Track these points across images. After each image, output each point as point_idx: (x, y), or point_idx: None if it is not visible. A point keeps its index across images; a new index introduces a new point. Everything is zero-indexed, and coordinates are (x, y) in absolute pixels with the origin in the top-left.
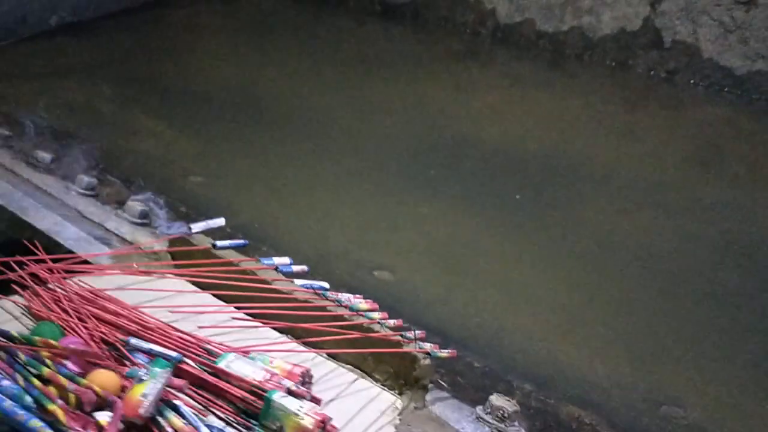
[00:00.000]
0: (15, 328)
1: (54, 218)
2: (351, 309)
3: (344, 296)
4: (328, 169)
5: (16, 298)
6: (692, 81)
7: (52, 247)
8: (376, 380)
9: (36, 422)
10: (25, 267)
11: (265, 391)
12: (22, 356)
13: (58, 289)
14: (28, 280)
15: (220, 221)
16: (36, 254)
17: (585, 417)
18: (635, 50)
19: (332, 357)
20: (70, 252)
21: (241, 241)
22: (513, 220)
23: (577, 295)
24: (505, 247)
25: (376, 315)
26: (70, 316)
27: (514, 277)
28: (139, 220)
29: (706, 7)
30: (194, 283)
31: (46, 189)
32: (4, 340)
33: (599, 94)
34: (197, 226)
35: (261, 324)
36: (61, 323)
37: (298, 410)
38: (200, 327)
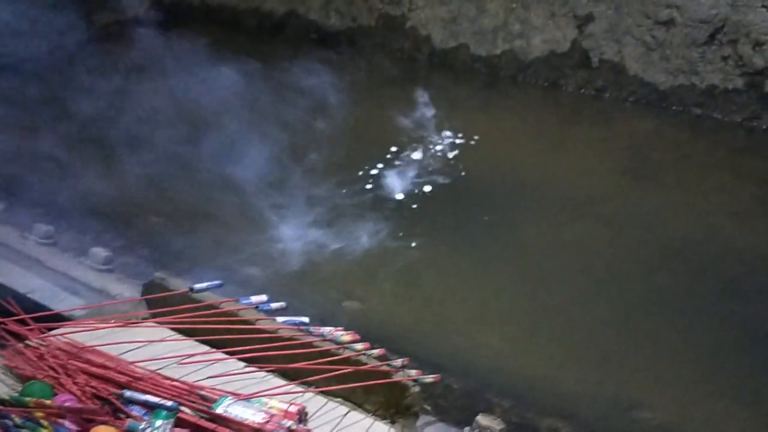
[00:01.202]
0: None
1: (17, 270)
2: (335, 342)
3: (326, 329)
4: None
5: None
6: (620, 97)
7: (21, 301)
8: (368, 411)
9: None
10: (4, 326)
11: None
12: (17, 419)
13: (41, 346)
14: (9, 339)
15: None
16: (12, 312)
17: (563, 428)
18: (565, 71)
19: (323, 389)
20: (42, 306)
21: (217, 282)
22: (466, 241)
23: (535, 309)
24: (462, 267)
25: (359, 346)
26: (58, 373)
27: (473, 296)
28: (103, 266)
29: (630, 28)
30: (178, 330)
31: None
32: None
33: (533, 114)
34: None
35: (252, 367)
36: (49, 380)
37: None
38: (185, 370)
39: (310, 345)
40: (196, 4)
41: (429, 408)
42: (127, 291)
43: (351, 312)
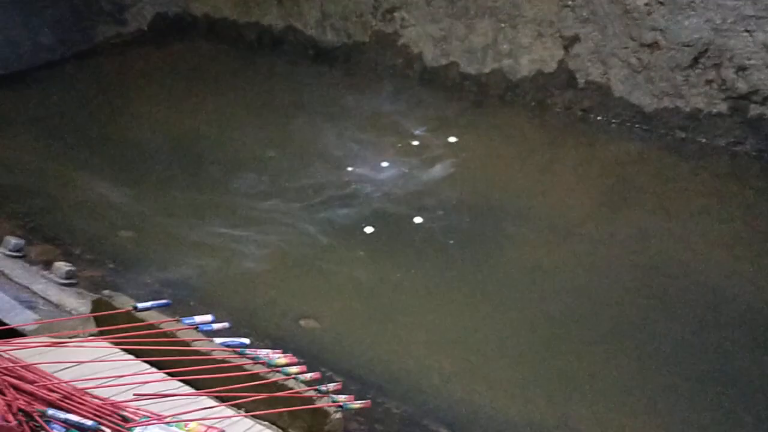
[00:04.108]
0: None
1: None
2: (269, 365)
3: (263, 352)
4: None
5: None
6: (605, 118)
7: None
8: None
9: None
10: None
11: None
12: None
13: None
14: None
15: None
16: None
17: None
18: (552, 90)
19: (250, 412)
20: None
21: (164, 301)
22: (439, 263)
23: (493, 335)
24: (429, 289)
25: (294, 369)
26: None
27: (431, 319)
28: (65, 281)
29: (615, 50)
30: (121, 348)
31: None
32: None
33: (520, 133)
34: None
35: (185, 387)
36: None
37: None
38: (115, 391)
39: (240, 368)
40: (200, 17)
41: None
42: (83, 306)
43: (308, 331)
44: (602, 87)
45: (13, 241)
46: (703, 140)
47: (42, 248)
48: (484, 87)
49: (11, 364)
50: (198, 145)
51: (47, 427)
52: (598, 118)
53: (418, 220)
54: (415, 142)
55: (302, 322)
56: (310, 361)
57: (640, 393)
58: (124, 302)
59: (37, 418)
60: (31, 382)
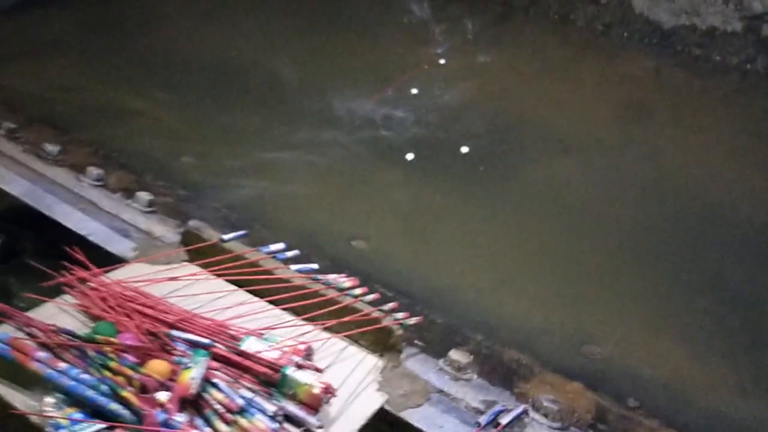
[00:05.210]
0: (72, 324)
1: (77, 215)
2: (338, 289)
3: (331, 276)
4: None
5: (65, 298)
6: (626, 34)
7: (82, 243)
8: (362, 346)
9: (114, 405)
10: (73, 272)
11: (280, 366)
12: (92, 353)
13: (102, 289)
14: (79, 286)
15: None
16: (79, 260)
17: (523, 359)
18: (575, 4)
19: (326, 329)
20: (99, 248)
21: (243, 232)
22: (464, 181)
23: (518, 250)
24: (461, 210)
25: (357, 291)
26: (119, 314)
27: (466, 237)
28: (148, 209)
29: None
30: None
31: (60, 182)
32: (74, 339)
33: (543, 50)
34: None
35: (270, 306)
36: (112, 320)
37: (307, 381)
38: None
39: (317, 293)
40: None
41: (417, 342)
42: (168, 232)
43: (358, 251)
44: (623, 3)
45: (95, 171)
46: (717, 58)
47: (117, 176)
48: (508, 0)
49: (130, 292)
50: (241, 65)
51: (173, 345)
52: (619, 33)
53: (451, 145)
54: (441, 61)
55: (353, 243)
56: (364, 279)
57: (641, 301)
58: (209, 234)
59: (163, 338)
60: (150, 307)
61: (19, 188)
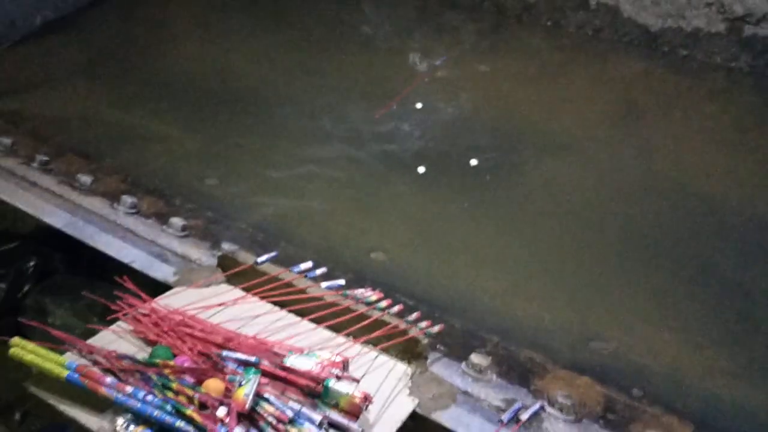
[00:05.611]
0: (129, 349)
1: (117, 243)
2: (366, 303)
3: (359, 291)
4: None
5: (120, 325)
6: (615, 38)
7: (127, 271)
8: (392, 356)
9: (180, 423)
10: (124, 301)
11: (322, 379)
12: (154, 376)
13: (154, 314)
14: (133, 313)
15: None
16: (129, 289)
17: (536, 358)
18: (566, 11)
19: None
20: (143, 275)
21: (273, 254)
22: (476, 193)
23: (524, 254)
24: (470, 219)
25: (383, 304)
26: (173, 338)
27: (475, 244)
28: (181, 233)
29: None
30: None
31: (97, 212)
32: (136, 363)
33: (537, 55)
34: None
35: (308, 323)
36: (167, 344)
37: (348, 392)
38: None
39: (348, 309)
40: None
41: (440, 347)
42: (204, 255)
43: (378, 263)
44: (611, 8)
45: (129, 200)
46: (702, 58)
47: (148, 201)
48: (502, 8)
49: (179, 316)
50: (248, 86)
51: (224, 364)
52: (609, 37)
53: (457, 155)
54: (440, 74)
55: (372, 255)
56: (387, 290)
57: (642, 296)
58: (244, 257)
59: (215, 358)
60: (200, 330)
61: (61, 221)
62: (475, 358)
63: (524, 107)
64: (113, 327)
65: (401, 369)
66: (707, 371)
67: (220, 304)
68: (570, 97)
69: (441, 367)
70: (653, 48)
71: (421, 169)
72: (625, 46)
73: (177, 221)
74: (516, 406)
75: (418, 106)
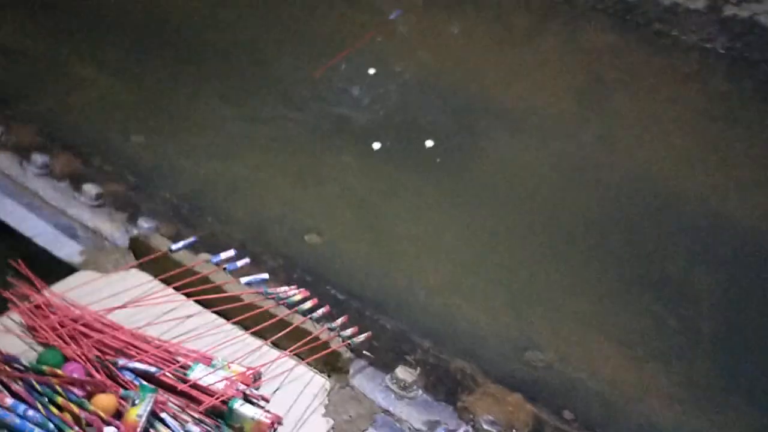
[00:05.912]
0: (18, 347)
1: (21, 211)
2: (288, 304)
3: (281, 289)
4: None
5: (11, 316)
6: (588, 4)
7: (27, 245)
8: (311, 366)
9: None
10: (17, 287)
11: (227, 399)
12: (38, 386)
13: (48, 308)
14: (24, 304)
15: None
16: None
17: (467, 368)
18: None
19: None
20: (43, 249)
21: (191, 240)
22: (426, 174)
23: (471, 245)
24: (413, 197)
25: (308, 305)
26: (66, 341)
27: (421, 230)
28: (95, 203)
29: None
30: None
31: (3, 171)
32: (20, 367)
33: (504, 20)
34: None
35: (220, 321)
36: (58, 345)
37: (254, 416)
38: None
39: (268, 314)
40: None
41: (366, 353)
42: (117, 231)
43: (311, 247)
44: None
45: (40, 159)
46: (677, 34)
47: (64, 159)
48: None
49: (77, 310)
50: (185, 29)
51: (121, 375)
52: (582, 3)
53: (408, 127)
54: (399, 29)
55: (306, 238)
56: (317, 281)
57: (585, 299)
58: (157, 241)
59: (112, 368)
60: (97, 330)
61: None
62: (401, 372)
63: (485, 76)
64: (3, 318)
65: (319, 383)
66: (644, 390)
67: (124, 305)
68: (534, 67)
69: (363, 380)
70: (627, 19)
71: (377, 145)
72: (598, 15)
73: (90, 188)
74: (439, 430)
75: (368, 67)
